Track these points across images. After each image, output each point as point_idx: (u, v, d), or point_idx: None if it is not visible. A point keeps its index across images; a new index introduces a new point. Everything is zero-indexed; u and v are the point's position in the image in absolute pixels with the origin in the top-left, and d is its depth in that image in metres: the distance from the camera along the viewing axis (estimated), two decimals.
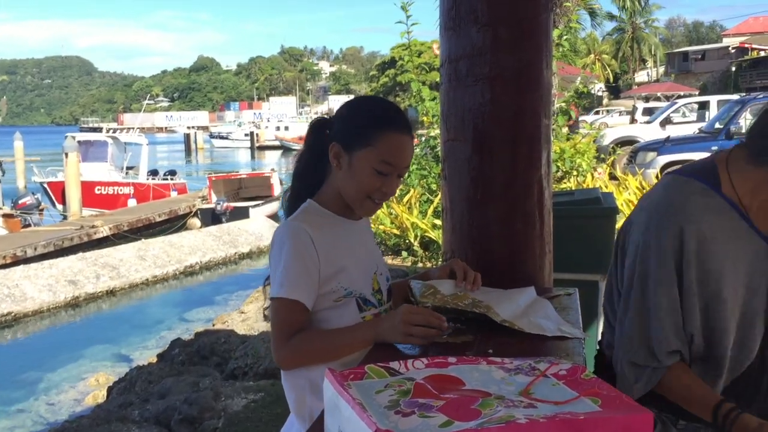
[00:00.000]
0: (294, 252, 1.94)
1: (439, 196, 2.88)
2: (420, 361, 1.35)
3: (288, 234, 1.98)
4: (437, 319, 1.83)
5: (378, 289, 2.12)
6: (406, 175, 8.74)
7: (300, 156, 2.15)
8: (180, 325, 12.83)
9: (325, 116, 2.18)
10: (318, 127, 2.13)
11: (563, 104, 9.48)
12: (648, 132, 19.43)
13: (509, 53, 2.39)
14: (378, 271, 2.14)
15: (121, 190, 25.54)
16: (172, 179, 27.92)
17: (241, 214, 21.92)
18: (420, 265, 8.04)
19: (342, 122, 2.07)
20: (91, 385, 9.57)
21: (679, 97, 36.91)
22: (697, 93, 45.30)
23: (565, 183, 8.90)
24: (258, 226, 20.08)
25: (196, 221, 22.64)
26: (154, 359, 8.94)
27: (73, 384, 9.92)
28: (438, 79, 2.65)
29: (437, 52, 2.78)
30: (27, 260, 15.80)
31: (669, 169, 10.35)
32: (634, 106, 35.02)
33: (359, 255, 2.10)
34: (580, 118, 23.71)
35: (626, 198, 8.14)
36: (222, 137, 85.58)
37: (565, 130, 10.24)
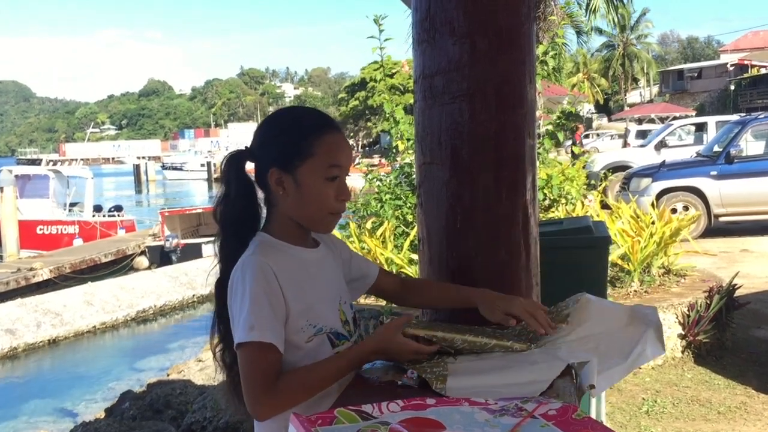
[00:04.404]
0: (259, 290, 1.90)
1: (416, 228, 2.87)
2: (395, 403, 1.34)
3: (249, 270, 1.93)
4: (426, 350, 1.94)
5: (345, 320, 2.12)
6: (379, 206, 8.78)
7: (224, 197, 2.08)
8: (131, 375, 12.69)
9: (241, 148, 2.15)
10: (235, 160, 2.09)
11: (549, 127, 9.56)
12: (642, 156, 19.57)
13: (489, 67, 2.38)
14: (342, 300, 2.14)
15: (65, 229, 25.31)
16: (118, 215, 27.71)
17: (194, 251, 21.56)
18: (394, 304, 7.95)
19: (271, 144, 2.06)
20: None
21: (675, 118, 37.35)
22: (693, 114, 45.95)
23: (552, 212, 8.93)
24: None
25: (143, 260, 22.44)
26: (102, 414, 8.84)
27: None
28: (412, 102, 2.63)
29: (407, 69, 2.78)
30: None
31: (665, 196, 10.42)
32: (626, 128, 35.40)
33: (323, 287, 2.09)
34: (568, 143, 23.85)
35: (619, 227, 8.17)
36: (176, 168, 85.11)
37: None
